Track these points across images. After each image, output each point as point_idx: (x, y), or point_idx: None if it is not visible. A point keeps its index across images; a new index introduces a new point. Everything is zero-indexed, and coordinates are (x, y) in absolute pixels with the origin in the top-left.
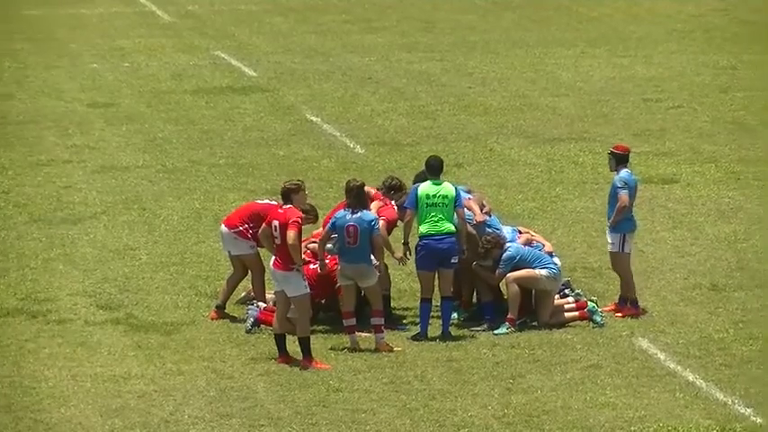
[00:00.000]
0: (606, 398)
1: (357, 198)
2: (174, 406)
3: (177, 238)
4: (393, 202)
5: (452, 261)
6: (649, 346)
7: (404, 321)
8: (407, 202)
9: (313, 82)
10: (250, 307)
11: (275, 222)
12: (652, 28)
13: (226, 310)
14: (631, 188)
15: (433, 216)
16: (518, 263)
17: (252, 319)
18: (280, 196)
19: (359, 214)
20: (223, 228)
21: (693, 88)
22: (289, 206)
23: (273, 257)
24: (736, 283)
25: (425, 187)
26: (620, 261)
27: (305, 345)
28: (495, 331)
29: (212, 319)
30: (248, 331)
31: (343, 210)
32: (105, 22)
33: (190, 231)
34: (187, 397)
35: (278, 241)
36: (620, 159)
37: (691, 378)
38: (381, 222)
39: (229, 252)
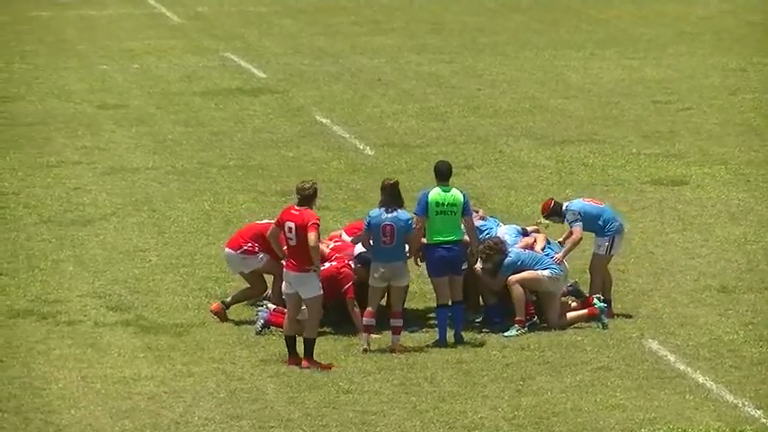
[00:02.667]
0: (616, 400)
1: (391, 196)
2: (184, 407)
3: (187, 239)
4: None
5: (462, 268)
6: (659, 348)
7: (414, 323)
8: (418, 209)
9: (322, 83)
10: (260, 309)
11: (290, 224)
12: (661, 30)
13: (227, 311)
14: (586, 212)
15: (442, 224)
16: (519, 267)
17: (262, 321)
18: (297, 197)
19: (395, 213)
20: (228, 251)
21: (703, 90)
22: (305, 208)
23: (286, 260)
24: (745, 284)
25: (435, 194)
26: (602, 263)
27: (310, 345)
28: (506, 333)
29: (213, 311)
30: (258, 333)
31: (377, 209)
32: (114, 24)
33: (200, 233)
34: (197, 398)
35: (292, 243)
36: (558, 212)
37: (701, 380)
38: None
39: (242, 273)
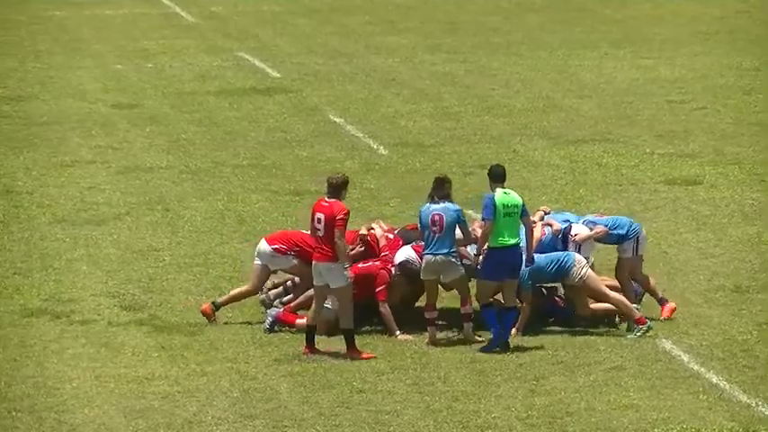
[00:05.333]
0: (629, 399)
1: (436, 188)
2: (197, 407)
3: (200, 239)
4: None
5: (519, 272)
6: (673, 348)
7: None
8: (487, 213)
9: (336, 83)
10: (269, 312)
11: (320, 215)
12: (676, 30)
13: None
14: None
15: (508, 227)
16: (537, 274)
17: (270, 319)
18: (327, 188)
19: (444, 204)
20: (263, 243)
21: (717, 90)
22: (334, 200)
23: (315, 251)
24: (759, 284)
25: (500, 197)
26: (634, 265)
27: (349, 336)
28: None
29: (203, 311)
30: (267, 331)
31: (427, 203)
32: (129, 24)
33: (213, 232)
34: (211, 398)
35: (320, 233)
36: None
37: (714, 380)
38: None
39: (262, 265)
